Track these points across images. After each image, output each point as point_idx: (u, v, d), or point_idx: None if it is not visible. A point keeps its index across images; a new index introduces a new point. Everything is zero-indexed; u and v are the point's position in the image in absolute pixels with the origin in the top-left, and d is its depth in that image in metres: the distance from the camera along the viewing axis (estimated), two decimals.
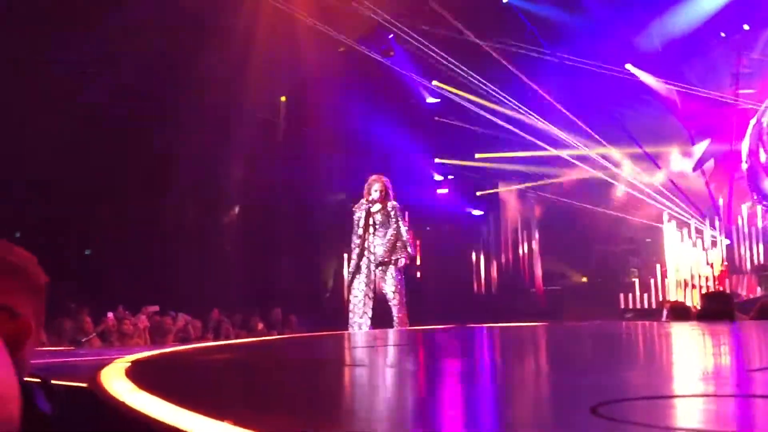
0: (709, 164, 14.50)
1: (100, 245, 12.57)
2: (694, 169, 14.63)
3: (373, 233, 6.94)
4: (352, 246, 7.03)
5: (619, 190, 14.69)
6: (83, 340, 8.99)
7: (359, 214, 6.98)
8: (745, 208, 13.35)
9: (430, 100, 15.15)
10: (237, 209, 14.53)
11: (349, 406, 1.58)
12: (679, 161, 14.83)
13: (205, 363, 2.67)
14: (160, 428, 1.21)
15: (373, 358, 2.72)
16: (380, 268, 6.82)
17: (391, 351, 3.03)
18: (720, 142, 14.12)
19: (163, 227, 12.58)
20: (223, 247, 13.68)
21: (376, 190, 6.95)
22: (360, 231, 6.94)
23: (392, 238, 6.86)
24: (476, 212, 16.03)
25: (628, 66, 14.23)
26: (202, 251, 12.81)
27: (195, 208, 13.51)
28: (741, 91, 13.53)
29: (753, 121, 13.77)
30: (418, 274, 13.86)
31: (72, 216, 11.64)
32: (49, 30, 10.34)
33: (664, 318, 6.67)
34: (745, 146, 13.77)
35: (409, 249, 7.00)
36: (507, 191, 15.72)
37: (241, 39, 11.69)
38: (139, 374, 1.93)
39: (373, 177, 7.13)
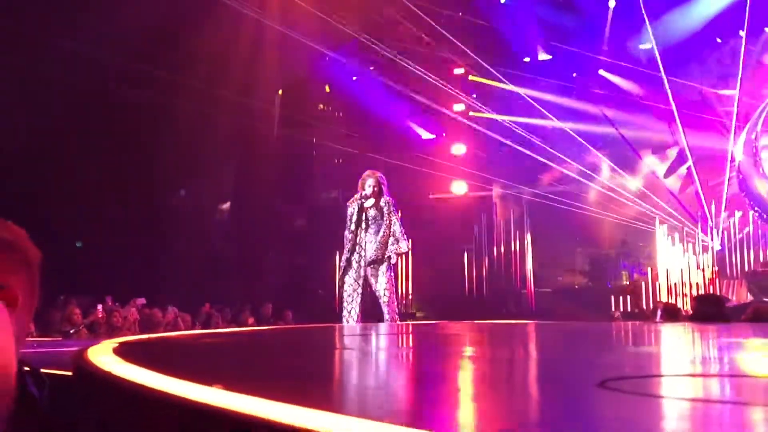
0: (682, 170, 14.62)
1: (90, 238, 12.49)
2: (665, 176, 14.76)
3: (365, 229, 6.90)
4: (345, 241, 6.99)
5: (593, 193, 14.85)
6: (71, 331, 8.92)
7: (352, 209, 6.94)
8: (726, 215, 13.45)
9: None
10: (229, 203, 14.48)
11: (338, 377, 1.56)
12: (654, 166, 14.96)
13: (194, 345, 2.64)
14: (149, 396, 1.18)
15: (378, 344, 2.71)
16: (371, 265, 6.78)
17: (393, 339, 3.01)
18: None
19: (154, 220, 12.52)
20: (214, 241, 13.63)
21: (369, 185, 6.92)
22: (352, 226, 6.91)
23: (384, 235, 6.82)
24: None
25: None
26: (193, 245, 12.76)
27: (187, 202, 13.46)
28: (721, 92, 13.58)
29: (746, 129, 13.84)
30: (409, 274, 13.84)
31: (62, 208, 11.56)
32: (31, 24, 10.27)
33: (658, 318, 6.67)
34: (738, 151, 13.83)
35: (402, 244, 6.96)
36: (500, 192, 15.79)
37: (238, 33, 11.64)
38: (126, 352, 1.89)
39: (367, 172, 7.10)
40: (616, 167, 14.66)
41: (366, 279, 6.82)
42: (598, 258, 14.87)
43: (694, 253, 12.89)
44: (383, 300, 6.76)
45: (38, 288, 1.63)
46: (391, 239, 6.85)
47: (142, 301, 9.76)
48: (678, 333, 3.62)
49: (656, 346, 2.79)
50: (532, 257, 14.19)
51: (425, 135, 15.81)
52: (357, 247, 6.86)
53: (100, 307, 9.39)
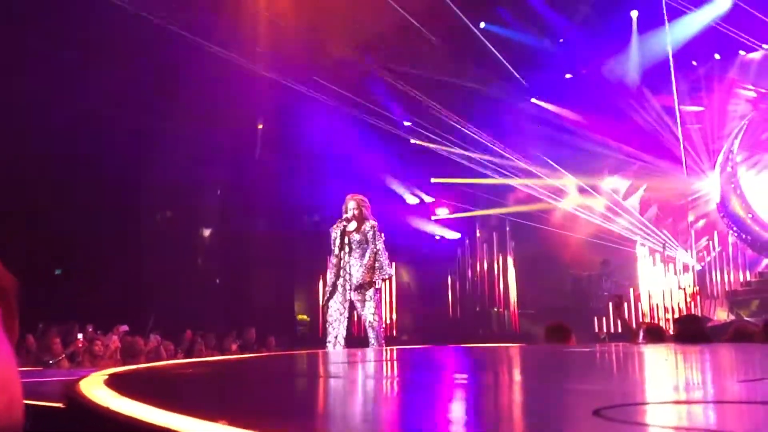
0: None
1: (70, 265, 12.34)
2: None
3: (350, 253, 6.86)
4: (329, 266, 6.97)
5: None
6: (51, 361, 8.78)
7: (335, 234, 6.92)
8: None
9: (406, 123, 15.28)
10: (211, 230, 14.40)
11: (334, 409, 1.55)
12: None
13: (184, 375, 2.61)
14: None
15: (364, 370, 2.69)
16: (358, 290, 6.74)
17: (379, 365, 3.00)
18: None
19: (135, 247, 12.42)
20: (197, 268, 13.54)
21: (350, 209, 6.91)
22: (336, 251, 6.88)
23: (370, 259, 6.79)
24: (452, 235, 16.16)
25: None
26: (176, 272, 12.65)
27: (169, 228, 13.37)
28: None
29: (723, 150, 14.06)
30: (393, 298, 13.83)
31: (42, 235, 11.43)
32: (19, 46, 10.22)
33: (641, 339, 6.71)
34: (716, 174, 14.05)
35: (386, 269, 6.94)
36: (483, 214, 15.89)
37: (219, 62, 11.65)
38: (119, 384, 1.87)
39: (348, 196, 7.08)
40: (585, 187, 14.87)
41: (351, 304, 6.80)
42: (580, 279, 14.94)
43: (675, 273, 13.01)
44: (372, 325, 6.72)
45: (16, 317, 1.61)
46: (377, 263, 6.82)
47: (125, 328, 9.65)
48: (661, 355, 3.65)
49: (644, 371, 2.81)
50: (515, 278, 14.23)
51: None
52: (342, 272, 6.82)
53: (80, 336, 9.27)
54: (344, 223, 6.85)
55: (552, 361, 3.34)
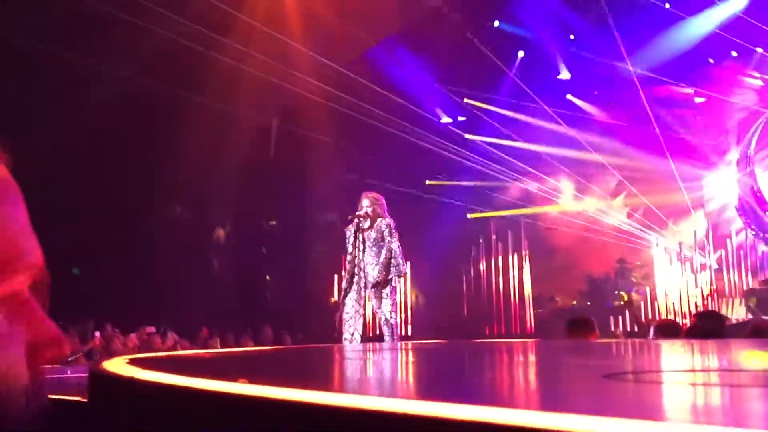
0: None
1: (87, 264, 12.46)
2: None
3: (364, 251, 6.86)
4: (345, 264, 6.98)
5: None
6: (69, 359, 8.87)
7: (348, 232, 6.93)
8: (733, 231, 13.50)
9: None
10: (228, 228, 14.49)
11: (353, 375, 1.58)
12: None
13: (203, 359, 2.66)
14: (176, 395, 1.19)
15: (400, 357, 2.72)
16: (374, 288, 6.74)
17: (402, 354, 3.03)
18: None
19: (152, 246, 12.51)
20: (213, 267, 13.63)
21: (365, 206, 6.91)
22: (350, 248, 6.90)
23: (386, 257, 6.78)
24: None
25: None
26: (192, 271, 12.74)
27: (185, 228, 13.47)
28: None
29: (740, 148, 13.97)
30: (407, 296, 13.85)
31: (59, 235, 11.54)
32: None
33: (651, 336, 6.66)
34: (732, 172, 13.97)
35: (402, 267, 6.95)
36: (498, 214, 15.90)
37: (234, 54, 11.73)
38: (142, 363, 1.91)
39: (364, 193, 7.10)
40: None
41: (365, 300, 6.81)
42: (596, 278, 14.89)
43: (692, 271, 12.95)
44: (389, 322, 6.73)
45: (47, 309, 1.68)
46: (393, 261, 6.82)
47: (151, 329, 9.74)
48: (673, 347, 3.64)
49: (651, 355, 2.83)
50: (530, 278, 14.21)
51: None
52: (357, 269, 6.83)
53: (97, 334, 9.37)
54: (357, 220, 6.85)
55: (567, 347, 3.36)
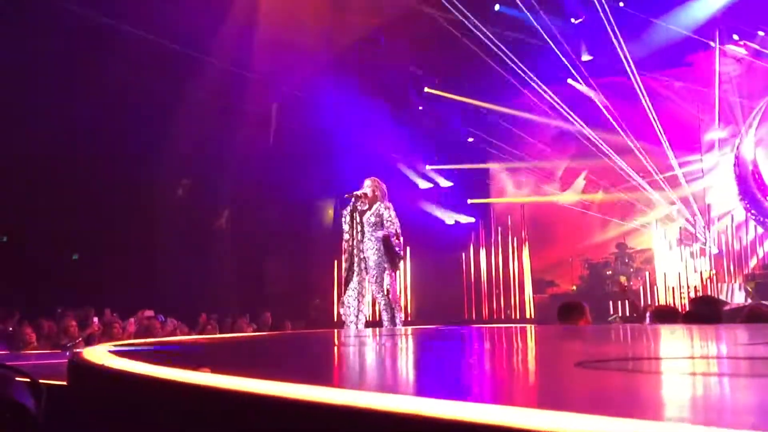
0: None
1: (87, 250, 12.49)
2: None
3: (363, 233, 6.81)
4: (343, 246, 6.94)
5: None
6: (68, 344, 8.90)
7: (345, 211, 6.89)
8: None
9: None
10: (227, 213, 14.49)
11: (331, 365, 1.58)
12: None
13: (190, 344, 2.66)
14: (141, 383, 1.19)
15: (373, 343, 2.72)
16: (374, 272, 6.71)
17: (387, 339, 3.03)
18: None
19: (151, 231, 12.52)
20: (213, 251, 13.63)
21: (366, 186, 6.88)
22: (346, 227, 6.85)
23: (385, 242, 6.74)
24: (466, 219, 16.21)
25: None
26: (191, 255, 12.75)
27: (184, 212, 13.47)
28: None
29: (741, 132, 13.90)
30: (407, 281, 13.87)
31: (59, 220, 11.57)
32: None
33: (647, 322, 6.65)
34: (731, 155, 13.92)
35: (400, 252, 6.91)
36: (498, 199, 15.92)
37: (234, 42, 11.68)
38: (120, 352, 1.91)
39: (368, 178, 7.05)
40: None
41: (367, 283, 6.79)
42: (596, 263, 14.89)
43: (692, 256, 12.93)
44: (389, 307, 6.71)
45: None
46: (392, 246, 6.77)
47: (149, 313, 9.75)
48: (659, 333, 3.64)
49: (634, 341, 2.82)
50: (530, 262, 14.19)
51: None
52: (357, 252, 6.79)
53: (95, 319, 9.38)
54: (353, 199, 6.80)
55: (551, 334, 3.36)
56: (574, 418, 0.73)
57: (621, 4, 13.02)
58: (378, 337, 3.32)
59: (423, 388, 1.21)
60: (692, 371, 1.34)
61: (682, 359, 1.63)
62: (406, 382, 1.31)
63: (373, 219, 6.77)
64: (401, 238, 6.86)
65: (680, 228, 13.84)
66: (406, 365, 1.76)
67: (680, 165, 14.30)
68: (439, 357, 2.03)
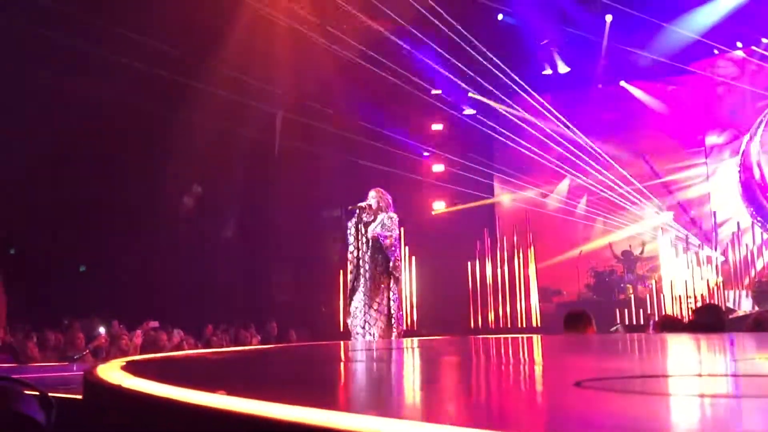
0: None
1: (94, 262, 12.54)
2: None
3: (367, 244, 6.81)
4: (349, 257, 6.96)
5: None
6: (75, 357, 8.93)
7: (350, 223, 6.91)
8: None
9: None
10: (232, 223, 14.53)
11: (340, 385, 1.60)
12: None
13: (201, 360, 2.69)
14: (156, 404, 1.22)
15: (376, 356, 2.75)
16: (369, 284, 6.70)
17: (389, 353, 3.05)
18: None
19: (158, 243, 12.57)
20: (219, 263, 13.67)
21: (370, 197, 6.91)
22: (351, 239, 6.88)
23: (383, 252, 6.73)
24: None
25: (623, 83, 14.45)
26: (198, 267, 12.80)
27: (191, 222, 13.52)
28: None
29: (746, 138, 13.89)
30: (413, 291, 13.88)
31: (66, 232, 11.63)
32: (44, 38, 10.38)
33: (650, 330, 6.64)
34: (736, 160, 13.91)
35: (397, 262, 6.87)
36: (504, 205, 15.94)
37: (238, 53, 11.74)
38: (134, 368, 1.94)
39: (373, 189, 7.07)
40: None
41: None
42: (601, 271, 14.87)
43: (698, 264, 12.90)
44: (391, 317, 6.72)
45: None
46: (389, 255, 6.77)
47: (154, 324, 9.78)
48: (666, 343, 3.65)
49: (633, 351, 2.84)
50: (536, 271, 14.19)
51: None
52: (362, 263, 6.81)
53: (102, 331, 9.41)
54: (357, 210, 6.81)
55: (554, 345, 3.37)
56: None
57: (608, 18, 13.13)
58: (370, 352, 3.35)
59: (406, 410, 1.23)
60: (695, 392, 1.36)
61: (685, 377, 1.65)
62: (386, 403, 1.33)
63: (379, 229, 6.78)
64: (398, 250, 6.85)
65: (686, 235, 13.83)
66: (389, 384, 1.78)
67: (678, 170, 14.35)
68: (429, 374, 2.05)
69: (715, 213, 13.85)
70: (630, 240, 15.14)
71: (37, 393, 2.01)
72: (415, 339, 6.68)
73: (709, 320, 5.49)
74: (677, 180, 14.82)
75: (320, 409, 0.96)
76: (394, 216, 6.86)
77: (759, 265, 13.09)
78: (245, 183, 13.70)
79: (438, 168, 16.56)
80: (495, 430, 0.90)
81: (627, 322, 12.23)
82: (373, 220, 6.85)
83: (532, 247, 13.99)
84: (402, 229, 12.80)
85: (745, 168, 13.89)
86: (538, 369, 2.02)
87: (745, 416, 1.11)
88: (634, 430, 0.93)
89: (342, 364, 2.46)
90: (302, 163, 14.31)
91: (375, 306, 6.68)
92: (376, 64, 12.66)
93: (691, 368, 1.98)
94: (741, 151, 14.00)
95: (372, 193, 6.90)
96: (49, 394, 2.10)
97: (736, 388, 1.44)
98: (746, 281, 12.82)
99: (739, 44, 13.73)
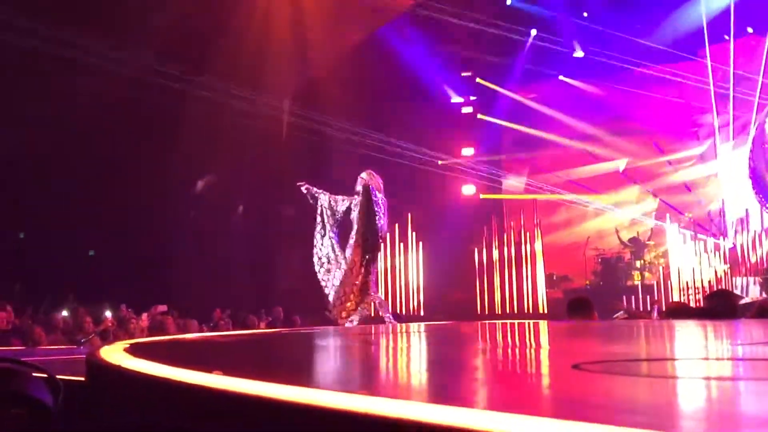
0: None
1: (102, 246, 12.60)
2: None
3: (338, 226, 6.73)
4: (320, 251, 6.90)
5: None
6: (82, 340, 8.99)
7: (340, 208, 6.84)
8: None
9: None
10: (240, 209, 14.55)
11: (331, 367, 1.61)
12: None
13: (203, 342, 2.71)
14: (154, 384, 1.23)
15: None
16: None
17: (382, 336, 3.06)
18: None
19: (166, 228, 12.61)
20: (226, 247, 13.70)
21: (361, 179, 6.83)
22: (328, 227, 6.81)
23: (357, 236, 6.65)
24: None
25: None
26: (205, 251, 12.83)
27: (198, 208, 13.55)
28: None
29: (755, 125, 13.76)
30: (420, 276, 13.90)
31: (75, 218, 11.68)
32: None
33: (654, 317, 6.62)
34: (746, 148, 13.79)
35: (377, 242, 6.78)
36: (511, 193, 15.89)
37: (247, 37, 11.71)
38: (136, 350, 1.96)
39: (363, 171, 7.00)
40: None
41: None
42: (609, 257, 14.82)
43: (706, 251, 12.84)
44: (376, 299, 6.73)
45: None
46: (367, 236, 6.67)
47: (163, 308, 9.82)
48: (666, 330, 3.64)
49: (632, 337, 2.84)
50: (543, 258, 14.17)
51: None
52: (335, 251, 6.77)
53: (109, 315, 9.46)
54: (353, 199, 6.75)
55: (555, 330, 3.37)
56: (555, 424, 0.74)
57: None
58: (369, 336, 3.36)
59: (405, 390, 1.23)
60: (698, 374, 1.35)
61: (682, 360, 1.65)
62: (386, 383, 1.34)
63: (358, 211, 6.66)
64: (384, 231, 6.75)
65: (695, 222, 13.76)
66: (387, 365, 1.79)
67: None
68: (430, 356, 2.06)
69: (723, 200, 13.77)
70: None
71: (45, 375, 2.03)
72: (422, 324, 6.70)
73: (720, 306, 5.43)
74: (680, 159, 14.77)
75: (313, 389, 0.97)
76: (380, 200, 6.70)
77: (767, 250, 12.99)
78: (253, 169, 13.69)
79: (467, 151, 16.47)
80: (492, 410, 0.90)
81: (633, 309, 12.21)
82: (361, 202, 6.72)
83: (538, 229, 13.99)
84: (410, 215, 12.82)
85: (755, 156, 13.76)
86: (542, 352, 2.03)
87: (744, 398, 1.11)
88: (629, 410, 0.93)
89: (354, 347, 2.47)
90: (310, 149, 14.28)
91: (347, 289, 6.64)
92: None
93: (689, 352, 1.98)
94: (750, 139, 13.87)
95: (363, 175, 6.82)
96: (57, 377, 2.12)
97: (735, 371, 1.44)
98: (754, 269, 12.74)
99: (750, 30, 13.60)
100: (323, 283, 6.81)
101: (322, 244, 6.85)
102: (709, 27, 12.97)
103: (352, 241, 6.71)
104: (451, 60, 14.72)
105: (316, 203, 6.90)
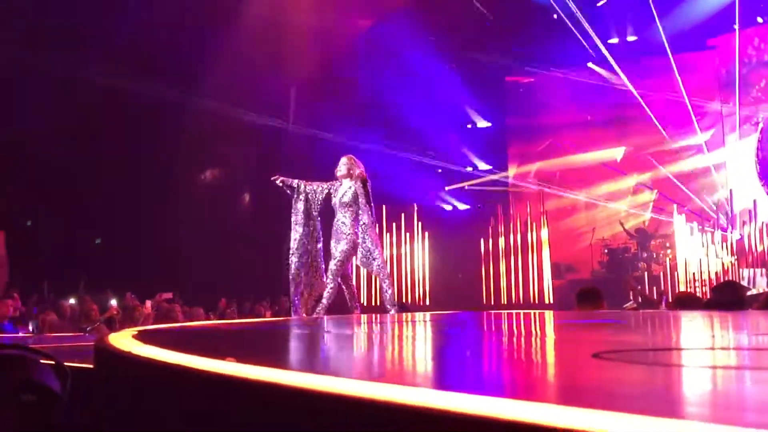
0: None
1: (109, 234, 12.63)
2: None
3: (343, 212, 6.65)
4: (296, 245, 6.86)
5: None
6: (88, 328, 9.00)
7: (320, 196, 6.74)
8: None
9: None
10: (247, 197, 14.55)
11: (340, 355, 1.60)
12: None
13: (211, 330, 2.70)
14: (166, 371, 1.22)
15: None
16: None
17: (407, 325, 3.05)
18: None
19: (173, 216, 12.62)
20: (232, 238, 13.72)
21: (341, 164, 6.73)
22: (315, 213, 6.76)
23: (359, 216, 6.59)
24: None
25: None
26: (212, 242, 12.84)
27: (205, 197, 13.55)
28: None
29: (761, 115, 13.71)
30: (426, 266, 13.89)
31: (82, 205, 11.70)
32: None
33: (663, 307, 6.61)
34: (754, 138, 13.74)
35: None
36: (517, 184, 15.85)
37: (254, 22, 11.69)
38: (145, 337, 1.95)
39: (344, 156, 6.90)
40: None
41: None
42: (615, 248, 14.80)
43: (713, 242, 12.81)
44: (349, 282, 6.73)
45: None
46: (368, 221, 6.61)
47: (168, 295, 9.83)
48: (682, 318, 3.61)
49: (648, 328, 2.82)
50: (549, 248, 14.16)
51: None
52: (312, 246, 6.75)
53: (114, 302, 9.48)
54: (332, 185, 6.70)
55: (569, 320, 3.36)
56: (585, 413, 0.72)
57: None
58: (384, 324, 3.35)
59: (426, 379, 1.22)
60: (711, 363, 1.35)
61: (699, 350, 1.63)
62: (404, 372, 1.32)
63: (347, 198, 6.61)
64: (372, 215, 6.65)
65: (701, 213, 13.72)
66: (411, 355, 1.78)
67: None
68: (449, 345, 2.04)
69: (731, 191, 13.70)
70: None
71: (53, 362, 2.03)
72: (427, 313, 6.69)
73: (727, 298, 5.41)
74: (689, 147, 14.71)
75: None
76: (356, 183, 6.56)
77: None
78: (259, 159, 13.69)
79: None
80: (522, 399, 0.89)
81: (640, 299, 12.19)
82: (342, 188, 6.63)
83: (544, 217, 13.96)
84: (416, 206, 12.78)
85: (765, 146, 13.69)
86: (561, 342, 2.02)
87: (754, 387, 1.10)
88: (652, 399, 0.91)
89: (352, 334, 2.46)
90: (315, 139, 14.27)
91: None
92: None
93: (701, 342, 1.96)
94: (759, 129, 13.80)
95: (344, 160, 6.71)
96: (65, 363, 2.11)
97: (747, 361, 1.44)
98: (761, 260, 12.69)
99: (759, 20, 13.50)
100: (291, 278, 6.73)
101: (301, 234, 6.74)
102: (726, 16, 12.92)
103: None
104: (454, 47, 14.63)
105: (294, 193, 6.79)
